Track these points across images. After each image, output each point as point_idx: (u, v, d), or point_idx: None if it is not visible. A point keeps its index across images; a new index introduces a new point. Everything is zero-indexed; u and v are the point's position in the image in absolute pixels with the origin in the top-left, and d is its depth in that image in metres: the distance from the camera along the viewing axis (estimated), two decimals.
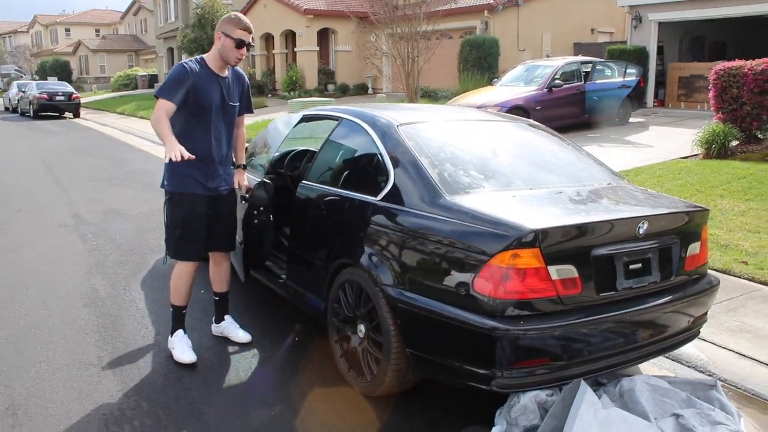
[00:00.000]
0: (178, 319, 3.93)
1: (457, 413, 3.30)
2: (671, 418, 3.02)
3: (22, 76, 49.67)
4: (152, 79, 41.59)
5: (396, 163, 3.40)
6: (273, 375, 3.71)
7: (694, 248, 3.39)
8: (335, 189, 3.78)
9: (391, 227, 3.27)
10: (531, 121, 4.44)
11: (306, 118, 4.62)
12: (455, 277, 2.91)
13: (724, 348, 4.09)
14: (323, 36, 27.58)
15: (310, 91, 25.42)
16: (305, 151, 5.05)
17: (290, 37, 28.28)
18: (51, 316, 4.54)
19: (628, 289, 3.06)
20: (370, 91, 26.25)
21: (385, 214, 3.32)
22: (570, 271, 2.87)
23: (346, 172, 3.86)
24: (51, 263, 5.82)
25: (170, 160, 3.32)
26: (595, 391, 3.17)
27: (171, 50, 39.59)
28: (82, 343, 4.09)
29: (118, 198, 8.94)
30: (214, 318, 4.23)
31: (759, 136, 10.37)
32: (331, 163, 4.03)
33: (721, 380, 3.70)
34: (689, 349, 4.02)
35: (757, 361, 3.93)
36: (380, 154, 3.53)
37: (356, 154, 3.88)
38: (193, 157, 3.41)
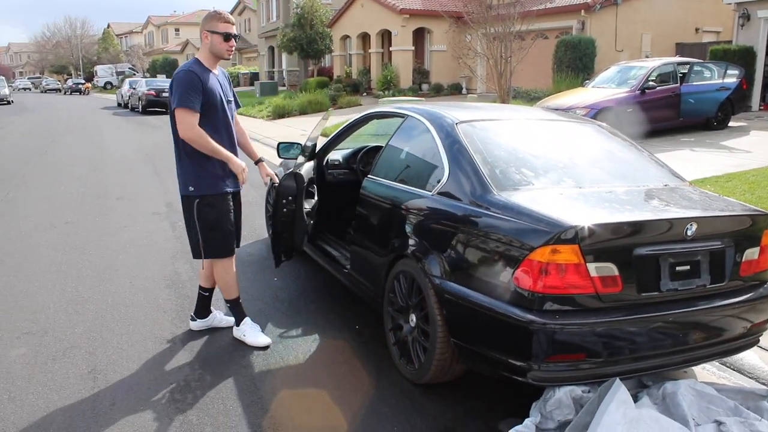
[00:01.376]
0: (239, 309, 4.14)
1: (497, 405, 3.39)
2: (712, 425, 2.98)
3: (134, 74, 52.79)
4: (253, 77, 43.21)
5: (451, 159, 3.53)
6: (329, 359, 3.91)
7: (752, 253, 3.31)
8: (396, 184, 3.95)
9: (442, 221, 3.40)
10: (600, 123, 4.43)
11: (374, 116, 4.79)
12: (498, 270, 3.01)
13: None
14: (418, 35, 27.80)
15: (404, 90, 25.69)
16: (378, 147, 5.25)
17: (386, 36, 28.68)
18: (136, 295, 4.94)
19: (673, 291, 3.05)
20: (463, 91, 26.24)
21: (437, 207, 3.46)
22: (610, 269, 2.89)
23: (406, 168, 4.02)
24: (142, 247, 6.30)
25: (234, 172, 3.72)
26: (637, 392, 3.19)
27: (272, 49, 41.01)
28: (159, 321, 4.44)
29: None
30: (192, 315, 4.30)
31: None
32: (394, 158, 4.19)
33: None
34: (752, 359, 3.91)
35: None
36: (438, 150, 3.66)
37: (417, 151, 4.02)
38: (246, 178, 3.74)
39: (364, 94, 28.48)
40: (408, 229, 3.65)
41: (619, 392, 2.82)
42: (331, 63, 34.60)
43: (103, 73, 61.94)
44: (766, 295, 3.36)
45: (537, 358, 2.87)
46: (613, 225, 2.91)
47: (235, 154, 3.98)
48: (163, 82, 29.86)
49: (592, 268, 2.86)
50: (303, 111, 22.34)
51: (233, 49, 3.91)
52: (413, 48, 27.53)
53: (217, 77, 3.93)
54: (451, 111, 4.04)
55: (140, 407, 3.30)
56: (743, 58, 15.90)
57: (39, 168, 11.80)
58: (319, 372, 3.74)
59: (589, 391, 2.99)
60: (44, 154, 13.98)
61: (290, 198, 4.33)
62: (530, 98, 19.66)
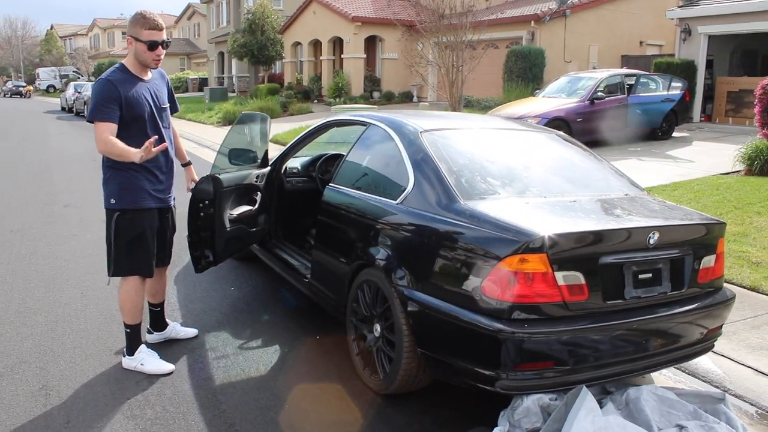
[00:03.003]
0: (138, 336, 3.81)
1: (464, 414, 3.39)
2: (674, 429, 3.04)
3: (79, 77, 51.39)
4: (203, 82, 42.54)
5: (416, 167, 3.52)
6: (291, 370, 3.84)
7: (708, 261, 3.40)
8: (358, 192, 3.92)
9: (407, 230, 3.38)
10: (557, 131, 4.50)
11: (335, 123, 4.75)
12: (465, 280, 3.00)
13: (743, 364, 4.07)
14: (370, 43, 27.87)
15: (355, 98, 25.69)
16: (337, 155, 5.21)
17: (338, 43, 28.66)
18: (87, 306, 4.77)
19: (636, 299, 3.11)
20: (414, 99, 26.39)
21: (402, 216, 3.44)
22: (577, 277, 2.93)
23: (369, 176, 3.99)
24: (92, 256, 6.09)
25: (140, 161, 3.38)
26: (601, 398, 3.23)
27: (222, 54, 40.50)
28: (114, 333, 4.29)
29: None
30: (149, 328, 4.14)
31: None
32: (356, 167, 4.15)
33: (737, 396, 3.70)
34: (706, 364, 4.01)
35: None
36: (402, 158, 3.65)
37: (380, 159, 4.00)
38: (165, 144, 3.48)
39: (315, 101, 28.38)
40: (372, 238, 3.62)
41: (587, 400, 2.85)
42: (281, 69, 34.37)
43: (46, 75, 60.10)
44: (721, 301, 3.46)
45: (505, 367, 2.87)
46: (579, 234, 2.94)
47: (171, 162, 3.81)
48: None
49: (560, 276, 2.89)
50: None
51: (160, 58, 3.62)
52: (365, 56, 27.57)
53: (148, 83, 3.66)
54: (414, 119, 4.04)
55: (97, 424, 3.18)
56: (685, 71, 16.46)
57: None
58: (282, 383, 3.67)
59: (556, 399, 3.02)
60: None
61: (206, 202, 4.15)
62: (481, 107, 19.93)
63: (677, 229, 3.27)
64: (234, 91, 35.67)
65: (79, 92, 29.19)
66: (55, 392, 3.49)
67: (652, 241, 3.10)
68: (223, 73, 41.39)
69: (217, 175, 4.21)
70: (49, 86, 58.18)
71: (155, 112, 3.67)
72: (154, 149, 3.37)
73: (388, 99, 26.36)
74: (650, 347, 3.21)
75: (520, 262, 2.83)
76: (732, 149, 12.11)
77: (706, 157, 11.74)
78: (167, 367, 3.78)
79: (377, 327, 3.55)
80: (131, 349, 3.80)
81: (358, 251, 3.70)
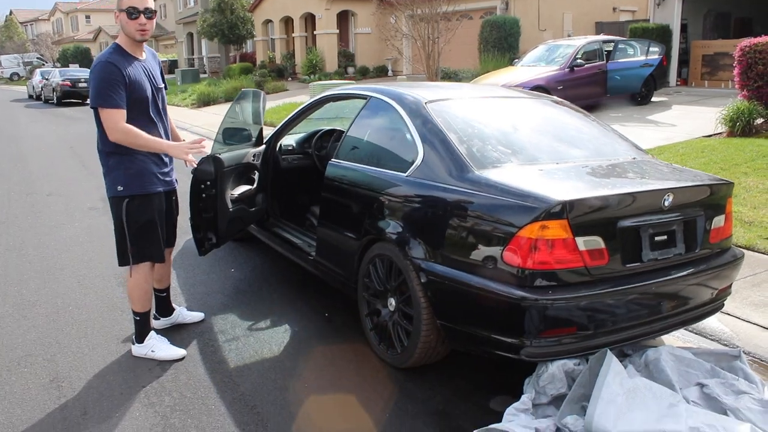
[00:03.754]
0: (148, 323, 3.74)
1: (484, 384, 3.39)
2: (695, 388, 3.07)
3: (44, 64, 50.18)
4: (172, 65, 41.79)
5: (424, 139, 3.47)
6: (304, 349, 3.81)
7: (718, 221, 3.42)
8: (364, 166, 3.86)
9: (420, 202, 3.34)
10: (555, 97, 4.47)
11: (331, 98, 4.67)
12: (485, 249, 2.98)
13: (748, 321, 4.12)
14: (343, 18, 27.55)
15: (329, 74, 25.43)
16: (332, 131, 5.13)
17: (310, 20, 28.28)
18: (87, 295, 4.68)
19: (653, 261, 3.11)
20: (390, 73, 26.22)
21: (414, 189, 3.40)
22: (597, 242, 2.92)
23: (375, 150, 3.93)
24: (84, 244, 5.98)
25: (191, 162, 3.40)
26: (621, 361, 3.24)
27: (191, 35, 39.81)
28: (118, 321, 4.22)
29: None
30: (155, 314, 4.05)
31: None
32: (359, 141, 4.08)
33: (746, 353, 3.74)
34: (713, 323, 4.06)
35: None
36: (409, 130, 3.59)
37: (385, 132, 3.94)
38: (204, 142, 3.44)
39: (290, 78, 28.04)
40: (382, 211, 3.57)
41: (613, 363, 2.85)
42: (253, 48, 33.86)
43: (8, 63, 58.42)
44: (731, 261, 3.48)
45: (530, 335, 2.87)
46: (599, 198, 2.93)
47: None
48: (77, 71, 28.48)
49: (581, 242, 2.88)
50: (228, 98, 21.74)
51: (146, 28, 3.38)
52: (338, 31, 27.26)
53: (143, 63, 3.50)
54: (415, 90, 3.98)
55: (115, 414, 3.12)
56: (661, 35, 16.49)
57: None
58: (297, 363, 3.64)
59: (579, 364, 3.02)
60: None
61: (208, 183, 4.06)
62: (458, 78, 19.84)
63: (690, 191, 3.28)
64: (205, 72, 35.11)
65: (47, 79, 28.47)
66: (67, 384, 3.42)
67: (666, 204, 3.10)
68: (193, 55, 40.71)
69: (218, 155, 4.12)
70: (12, 74, 56.63)
71: (154, 94, 3.54)
72: (196, 147, 3.38)
73: (363, 74, 26.15)
74: (665, 309, 3.23)
75: (540, 229, 2.82)
76: (711, 112, 12.22)
77: (687, 120, 11.83)
78: (179, 352, 3.72)
79: (392, 301, 3.52)
80: (141, 336, 3.73)
81: (367, 226, 3.65)
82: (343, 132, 5.16)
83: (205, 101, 21.40)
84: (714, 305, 3.56)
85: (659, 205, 3.09)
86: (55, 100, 26.61)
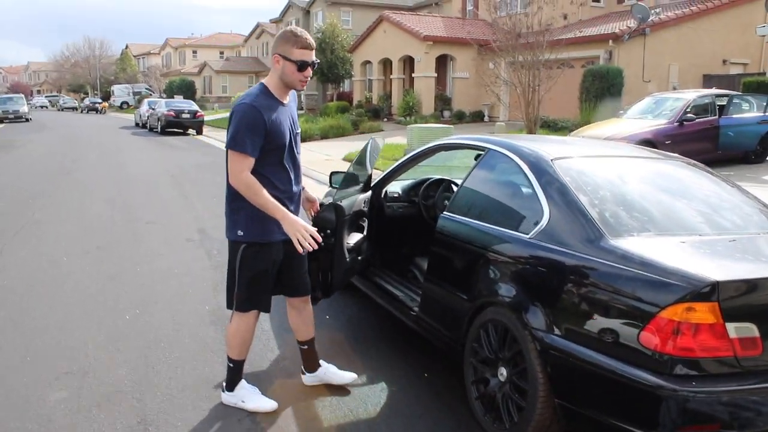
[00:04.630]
0: (239, 372, 3.59)
1: None
2: None
3: (151, 94, 52.99)
4: None
5: (551, 199, 3.18)
6: (402, 412, 3.54)
7: None
8: (481, 223, 3.58)
9: (544, 268, 3.05)
10: (686, 158, 4.09)
11: (444, 147, 4.46)
12: (618, 328, 2.66)
13: None
14: (441, 62, 27.70)
15: (426, 117, 25.46)
16: (441, 180, 4.92)
17: (408, 62, 28.59)
18: (179, 332, 4.60)
19: None
20: (486, 119, 26.03)
21: (537, 253, 3.10)
22: (750, 329, 2.55)
23: (492, 206, 3.67)
24: (179, 277, 5.97)
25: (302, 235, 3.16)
26: None
27: None
28: (210, 362, 4.09)
29: None
30: (303, 368, 3.85)
31: None
32: (476, 195, 3.82)
33: None
34: None
35: None
36: (534, 189, 3.31)
37: (504, 188, 3.69)
38: (320, 239, 3.24)
39: (385, 119, 28.31)
40: (500, 274, 3.30)
41: None
42: (350, 88, 34.52)
43: (120, 92, 62.21)
44: None
45: (665, 428, 2.51)
46: (756, 281, 2.56)
47: (300, 190, 3.50)
48: (182, 103, 29.84)
49: (731, 328, 2.51)
50: (324, 135, 22.14)
51: (308, 79, 3.30)
52: (436, 74, 27.40)
53: (287, 107, 3.37)
54: (537, 144, 3.71)
55: None
56: None
57: (64, 188, 11.56)
58: (393, 427, 3.37)
59: None
60: (67, 173, 13.74)
61: (328, 231, 3.83)
62: (557, 128, 19.43)
63: None
64: (302, 109, 36.02)
65: (153, 108, 29.92)
66: (154, 428, 3.29)
67: None
68: None
69: (339, 203, 3.91)
70: (122, 103, 60.19)
71: (293, 139, 3.38)
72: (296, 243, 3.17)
73: (459, 118, 26.07)
74: None
75: (686, 311, 2.47)
76: None
77: None
78: (269, 404, 3.52)
79: (503, 371, 3.21)
80: (231, 384, 3.57)
81: (482, 288, 3.38)
82: (450, 182, 4.94)
83: (303, 138, 21.79)
84: None
85: None
86: (159, 129, 27.84)
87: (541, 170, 3.36)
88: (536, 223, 3.19)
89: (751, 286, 2.56)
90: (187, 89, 50.84)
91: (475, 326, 3.42)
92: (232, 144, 3.17)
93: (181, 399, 3.59)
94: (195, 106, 29.09)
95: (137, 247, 7.12)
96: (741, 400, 2.55)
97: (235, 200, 3.31)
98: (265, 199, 3.18)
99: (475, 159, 4.13)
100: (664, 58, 21.04)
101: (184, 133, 27.73)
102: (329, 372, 3.82)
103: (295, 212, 3.43)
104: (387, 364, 4.13)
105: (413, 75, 27.96)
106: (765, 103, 13.05)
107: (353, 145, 18.19)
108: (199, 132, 27.47)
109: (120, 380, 3.80)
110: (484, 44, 21.79)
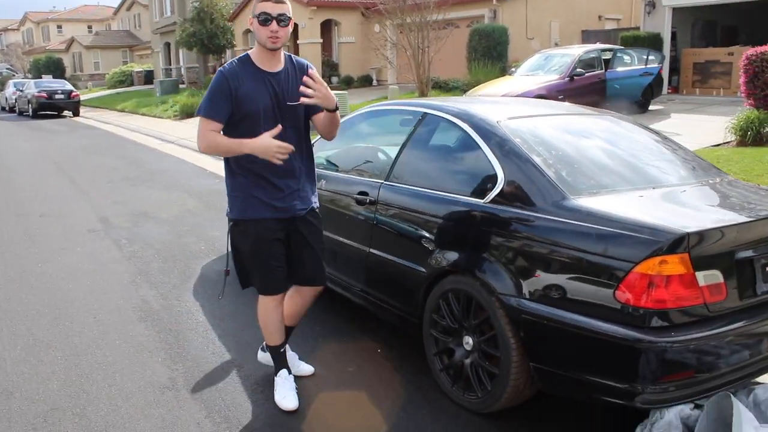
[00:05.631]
0: (278, 358, 3.42)
1: (575, 427, 3.06)
2: None
3: (14, 75, 49.06)
4: (148, 75, 41.06)
5: (504, 161, 3.13)
6: (369, 394, 3.43)
7: None
8: (430, 191, 3.50)
9: (508, 232, 3.00)
10: (616, 113, 4.18)
11: (373, 113, 4.32)
12: (592, 286, 2.67)
13: None
14: (326, 27, 27.20)
15: None
16: (371, 149, 4.78)
17: (292, 29, 27.87)
18: (107, 333, 4.25)
19: (765, 294, 2.82)
20: (374, 83, 25.91)
21: (497, 217, 3.06)
22: (716, 276, 2.63)
23: (441, 173, 3.58)
24: (90, 273, 5.53)
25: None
26: None
27: (168, 45, 39.11)
28: (149, 363, 3.81)
29: (142, 200, 8.64)
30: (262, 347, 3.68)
31: None
32: (419, 163, 3.72)
33: None
34: None
35: None
36: (484, 152, 3.25)
37: (452, 153, 3.61)
38: (291, 148, 3.00)
39: None
40: (457, 242, 3.23)
41: (742, 409, 2.55)
42: (233, 58, 33.35)
43: None
44: None
45: (646, 380, 2.57)
46: (720, 229, 2.64)
47: (295, 168, 3.16)
48: (55, 83, 27.87)
49: (701, 276, 2.59)
50: None
51: (278, 36, 3.02)
52: (321, 40, 26.91)
53: (278, 74, 3.11)
54: (478, 106, 3.66)
55: None
56: (652, 44, 16.41)
57: None
58: (365, 412, 3.26)
59: (694, 409, 2.71)
60: None
61: None
62: (449, 88, 19.63)
63: None
64: (184, 83, 34.50)
65: (21, 90, 27.70)
66: None
67: None
68: (170, 65, 39.96)
69: None
70: None
71: (275, 111, 3.10)
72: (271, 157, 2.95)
73: (348, 83, 25.81)
74: None
75: (659, 264, 2.51)
76: (711, 120, 12.17)
77: (691, 128, 11.69)
78: (288, 403, 3.27)
79: (468, 339, 3.18)
80: (275, 369, 3.43)
81: (437, 257, 3.30)
82: (386, 151, 4.82)
83: (188, 112, 20.84)
84: None
85: None
86: (30, 113, 25.88)
87: (489, 133, 3.30)
88: (490, 188, 3.13)
89: (716, 234, 2.64)
90: (55, 67, 47.43)
91: (433, 297, 3.35)
92: (198, 110, 3.11)
93: (128, 408, 3.31)
94: (69, 86, 27.23)
95: (35, 243, 6.54)
96: (712, 345, 2.64)
97: (225, 175, 3.25)
98: (226, 145, 3.06)
99: (402, 125, 4.03)
100: (545, 15, 21.67)
101: (59, 116, 25.92)
102: (289, 360, 3.61)
103: (283, 193, 3.16)
104: (339, 346, 4.00)
105: (298, 42, 27.33)
106: (645, 56, 13.73)
107: None
108: (76, 113, 25.77)
109: (53, 395, 3.45)
110: (370, 7, 21.57)
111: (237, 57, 3.19)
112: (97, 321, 4.46)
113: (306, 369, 3.64)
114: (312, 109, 3.17)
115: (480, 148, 3.29)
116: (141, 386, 3.53)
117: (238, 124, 3.08)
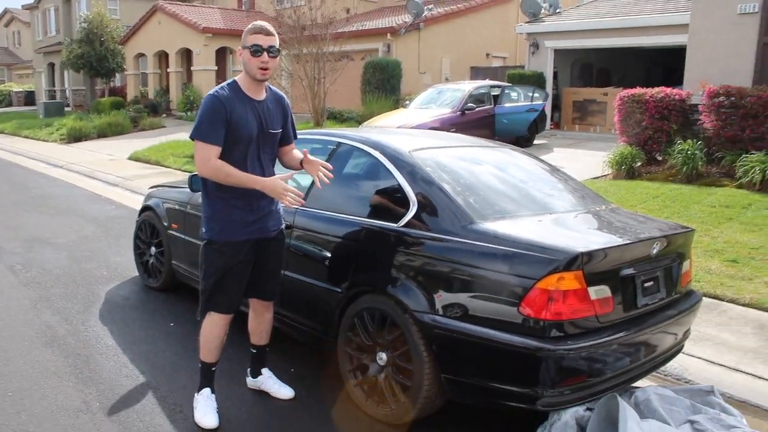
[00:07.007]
0: (206, 376, 3.48)
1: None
2: (687, 425, 3.19)
3: None
4: (29, 96, 39.02)
5: (417, 188, 3.41)
6: (289, 414, 3.56)
7: (686, 266, 3.63)
8: (346, 216, 3.72)
9: (421, 254, 3.27)
10: (512, 146, 4.59)
11: None
12: (497, 302, 2.97)
13: (693, 356, 4.35)
14: (221, 54, 27.03)
15: None
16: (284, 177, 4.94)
17: (186, 55, 27.48)
18: (11, 360, 4.13)
19: (645, 306, 3.24)
20: None
21: (409, 240, 3.32)
22: (605, 291, 3.01)
23: (356, 199, 3.81)
24: (20, 300, 5.30)
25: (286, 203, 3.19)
26: None
27: (52, 66, 37.38)
28: (60, 387, 3.75)
29: (35, 225, 8.30)
30: (249, 371, 3.82)
31: (658, 158, 11.14)
32: (334, 189, 3.89)
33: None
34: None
35: (727, 366, 4.21)
36: (397, 179, 3.52)
37: (365, 180, 3.85)
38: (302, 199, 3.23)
39: (164, 115, 26.94)
40: (371, 264, 3.47)
41: (627, 408, 2.91)
42: (123, 82, 32.34)
43: None
44: (697, 301, 3.71)
45: (546, 385, 2.89)
46: (608, 249, 3.03)
47: (270, 197, 3.33)
48: None
49: (592, 291, 2.95)
50: (102, 134, 20.61)
51: (267, 67, 3.20)
52: (216, 68, 26.70)
53: (263, 103, 3.30)
54: (390, 137, 3.94)
55: None
56: (537, 82, 17.53)
57: None
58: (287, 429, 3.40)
59: (587, 410, 3.06)
60: None
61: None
62: (344, 119, 19.98)
63: (672, 239, 3.45)
64: (69, 106, 33.05)
65: None
66: None
67: (654, 251, 3.25)
68: (54, 86, 38.18)
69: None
70: None
71: (260, 137, 3.29)
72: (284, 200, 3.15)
73: None
74: (655, 350, 3.38)
75: (558, 281, 2.85)
76: (590, 155, 13.14)
77: (571, 162, 12.57)
78: (208, 421, 3.34)
79: (382, 355, 3.40)
80: (198, 387, 3.50)
81: (354, 278, 3.52)
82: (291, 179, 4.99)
83: (76, 137, 20.04)
84: (680, 346, 3.76)
85: (649, 252, 3.23)
86: None
87: (402, 162, 3.58)
88: (403, 214, 3.40)
89: (605, 254, 3.02)
90: None
91: (347, 316, 3.55)
92: (195, 134, 3.17)
93: None
94: None
95: None
96: (602, 352, 3.01)
97: (202, 196, 3.34)
98: (237, 176, 3.15)
99: (315, 153, 4.23)
100: (437, 51, 22.65)
101: None
102: (267, 383, 3.75)
103: (257, 215, 3.35)
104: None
105: (192, 68, 26.98)
106: (531, 94, 14.68)
107: (136, 143, 17.24)
108: None
109: None
110: None
111: (225, 82, 3.32)
112: (0, 349, 4.32)
113: (285, 392, 3.72)
114: (284, 139, 3.48)
115: (393, 175, 3.56)
116: (53, 411, 3.49)
117: (233, 147, 3.20)
